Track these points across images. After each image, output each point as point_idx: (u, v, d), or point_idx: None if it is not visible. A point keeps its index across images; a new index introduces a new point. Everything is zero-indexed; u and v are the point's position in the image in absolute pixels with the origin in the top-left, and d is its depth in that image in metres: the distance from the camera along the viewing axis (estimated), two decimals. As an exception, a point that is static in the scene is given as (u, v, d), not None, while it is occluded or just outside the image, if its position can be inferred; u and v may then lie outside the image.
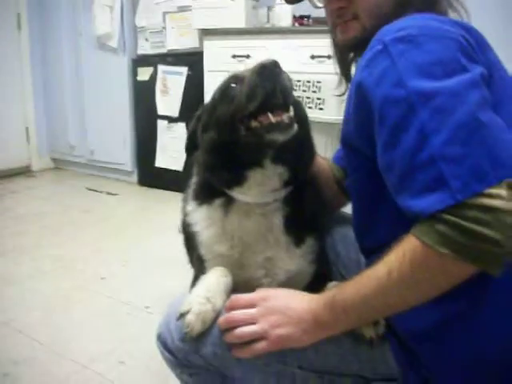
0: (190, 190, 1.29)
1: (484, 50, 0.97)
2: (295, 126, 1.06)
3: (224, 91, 1.16)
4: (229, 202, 1.18)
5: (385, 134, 0.89)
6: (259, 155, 1.12)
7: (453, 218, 0.78)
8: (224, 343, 1.02)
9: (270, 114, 1.05)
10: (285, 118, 1.05)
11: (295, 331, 0.97)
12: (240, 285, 1.13)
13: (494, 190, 0.77)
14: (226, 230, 1.18)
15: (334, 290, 0.98)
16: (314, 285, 1.19)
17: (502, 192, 0.77)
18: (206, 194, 1.22)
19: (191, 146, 1.27)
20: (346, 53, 1.25)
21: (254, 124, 1.07)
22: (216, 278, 1.10)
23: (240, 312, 1.02)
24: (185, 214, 1.29)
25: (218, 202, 1.19)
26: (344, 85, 1.33)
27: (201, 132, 1.21)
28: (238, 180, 1.13)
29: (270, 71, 1.04)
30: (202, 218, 1.21)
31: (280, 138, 1.06)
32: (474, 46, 0.92)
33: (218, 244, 1.18)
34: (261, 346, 0.99)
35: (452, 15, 1.12)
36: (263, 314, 1.00)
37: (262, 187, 1.14)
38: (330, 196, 1.39)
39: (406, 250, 0.85)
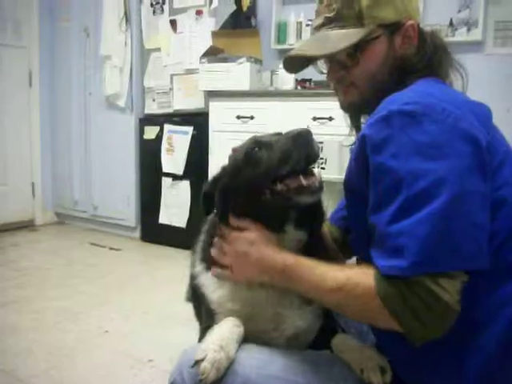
0: (198, 250, 1.31)
1: (488, 128, 1.03)
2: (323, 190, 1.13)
3: (248, 155, 1.18)
4: None
5: (373, 198, 0.99)
6: (282, 219, 1.17)
7: (406, 290, 0.89)
8: None
9: (301, 177, 1.11)
10: (316, 181, 1.11)
11: (248, 273, 1.17)
12: (249, 336, 1.15)
13: (443, 282, 0.88)
14: (238, 292, 1.20)
15: (292, 262, 1.09)
16: (321, 337, 1.23)
17: (449, 287, 0.88)
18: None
19: (208, 207, 1.28)
20: (350, 113, 1.31)
21: (279, 187, 1.12)
22: (229, 328, 1.12)
23: (220, 244, 1.22)
24: (192, 276, 1.31)
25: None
26: (354, 135, 1.38)
27: (221, 195, 1.23)
28: None
29: (305, 138, 1.10)
30: (211, 282, 1.24)
31: (310, 200, 1.13)
32: (473, 131, 0.96)
33: (230, 302, 1.20)
34: (227, 273, 1.20)
35: (452, 75, 1.20)
36: (231, 252, 1.19)
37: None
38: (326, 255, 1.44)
39: (362, 281, 0.96)
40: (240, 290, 1.20)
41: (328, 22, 1.19)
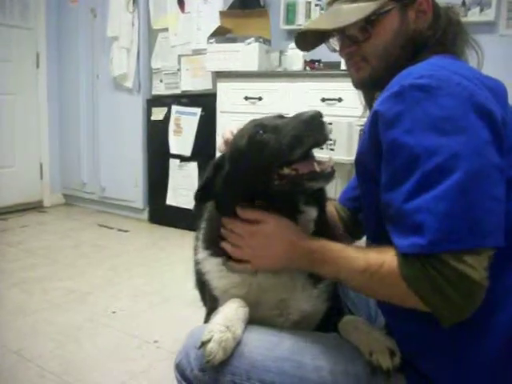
0: (201, 237, 1.29)
1: (503, 105, 1.00)
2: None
3: (253, 138, 1.13)
4: None
5: (388, 174, 0.97)
6: (293, 202, 1.15)
7: (430, 269, 0.87)
8: (243, 374, 1.04)
9: (315, 163, 1.08)
10: (328, 166, 1.08)
11: (271, 263, 1.14)
12: (254, 321, 1.14)
13: (468, 259, 0.85)
14: (242, 279, 1.18)
15: (317, 247, 1.07)
16: (328, 319, 1.22)
17: (475, 263, 0.85)
18: (218, 244, 1.21)
19: (205, 196, 1.23)
20: (362, 90, 1.30)
21: (288, 172, 1.09)
22: (234, 308, 1.11)
23: (232, 237, 1.17)
24: (196, 262, 1.30)
25: None
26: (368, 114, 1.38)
27: (223, 181, 1.18)
28: None
29: (317, 121, 1.05)
30: (216, 268, 1.22)
31: (322, 185, 1.12)
32: (488, 105, 0.94)
33: (235, 289, 1.18)
34: (245, 265, 1.16)
35: (468, 53, 1.17)
36: (247, 247, 1.15)
37: (306, 233, 1.16)
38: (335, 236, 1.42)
39: (386, 262, 0.94)
40: (245, 277, 1.18)
41: None
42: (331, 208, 1.47)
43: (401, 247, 0.91)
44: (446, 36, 1.14)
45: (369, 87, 1.25)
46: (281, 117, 1.21)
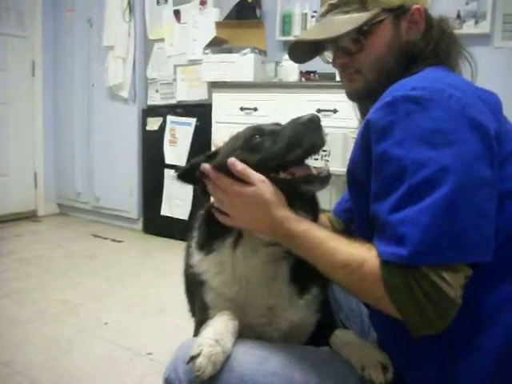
0: (193, 243, 1.27)
1: (497, 117, 0.99)
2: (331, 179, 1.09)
3: (248, 142, 1.13)
4: (238, 239, 1.16)
5: (376, 186, 0.96)
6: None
7: (410, 279, 0.86)
8: None
9: (311, 166, 1.08)
10: (324, 170, 1.08)
11: (252, 227, 1.12)
12: (243, 331, 1.13)
13: (446, 276, 0.85)
14: (234, 271, 1.17)
15: (300, 231, 1.04)
16: (319, 333, 1.21)
17: (452, 281, 0.85)
18: (212, 242, 1.20)
19: (187, 177, 1.23)
20: (356, 101, 1.29)
21: (282, 176, 1.08)
22: (224, 321, 1.10)
23: (216, 190, 1.14)
24: (189, 266, 1.28)
25: (228, 241, 1.17)
26: None
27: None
28: None
29: (315, 124, 1.06)
30: (212, 265, 1.20)
31: (318, 189, 1.11)
32: (481, 118, 0.93)
33: (227, 287, 1.17)
34: (227, 219, 1.14)
35: (461, 65, 1.17)
36: (230, 205, 1.12)
37: None
38: None
39: (367, 261, 0.93)
40: (236, 274, 1.17)
41: (332, 8, 1.17)
42: (325, 220, 1.46)
43: (382, 254, 0.90)
44: (439, 47, 1.14)
45: (362, 99, 1.25)
46: (277, 124, 1.20)
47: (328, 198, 2.46)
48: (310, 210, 1.18)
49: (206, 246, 1.23)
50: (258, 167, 1.09)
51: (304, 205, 1.15)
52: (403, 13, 1.14)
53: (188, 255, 1.30)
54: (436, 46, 1.14)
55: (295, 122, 1.08)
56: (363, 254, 0.94)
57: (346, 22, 1.13)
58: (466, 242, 0.86)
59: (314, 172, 1.08)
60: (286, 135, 1.08)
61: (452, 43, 1.16)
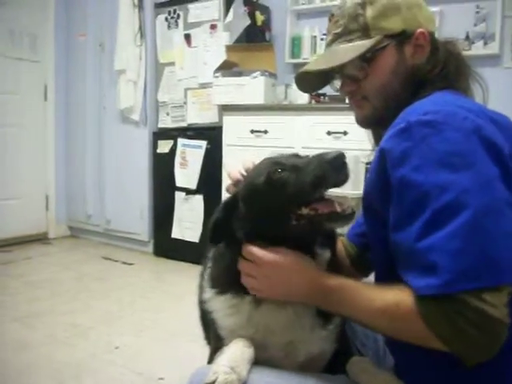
0: (207, 276, 1.25)
1: (510, 139, 0.98)
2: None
3: (271, 177, 1.09)
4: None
5: (396, 214, 0.94)
6: (310, 243, 1.12)
7: (448, 310, 0.83)
8: None
9: (335, 202, 1.06)
10: (349, 208, 1.05)
11: (287, 295, 1.09)
12: (259, 362, 1.10)
13: (488, 297, 0.81)
14: (252, 319, 1.14)
15: (335, 286, 1.03)
16: (336, 360, 1.19)
17: (495, 301, 0.81)
18: (228, 283, 1.17)
19: (217, 236, 1.18)
20: (367, 128, 1.28)
21: (305, 212, 1.06)
22: (240, 348, 1.08)
23: (248, 265, 1.11)
24: (202, 301, 1.25)
25: (248, 298, 1.14)
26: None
27: (239, 221, 1.14)
28: None
29: (341, 162, 1.03)
30: (224, 307, 1.17)
31: (341, 226, 1.09)
32: (496, 139, 0.92)
33: (242, 330, 1.14)
34: (258, 293, 1.11)
35: (473, 88, 1.16)
36: (262, 276, 1.09)
37: None
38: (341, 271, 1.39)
39: (403, 301, 0.90)
40: (253, 316, 1.14)
41: (337, 38, 1.19)
42: (339, 244, 1.43)
43: (416, 288, 0.87)
44: (447, 70, 1.13)
45: (372, 125, 1.25)
46: (297, 156, 1.18)
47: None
48: (328, 242, 1.17)
49: (219, 284, 1.20)
50: (281, 204, 1.07)
51: (322, 237, 1.15)
52: (407, 37, 1.14)
53: (201, 287, 1.28)
54: (443, 68, 1.13)
55: (320, 159, 1.04)
56: (397, 296, 0.92)
57: (350, 50, 1.13)
58: (499, 262, 0.83)
59: (338, 209, 1.05)
60: (310, 172, 1.04)
61: (460, 65, 1.15)
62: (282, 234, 1.09)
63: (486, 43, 3.75)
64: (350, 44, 1.15)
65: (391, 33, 1.13)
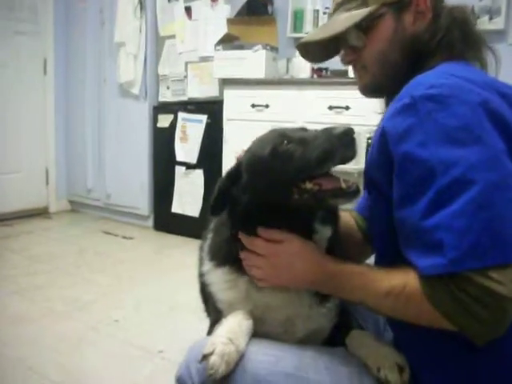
0: (206, 248, 1.25)
1: None
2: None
3: (277, 149, 1.08)
4: None
5: (401, 190, 0.92)
6: (310, 219, 1.11)
7: (454, 288, 0.82)
8: None
9: (341, 179, 1.03)
10: (354, 184, 1.03)
11: (290, 283, 1.10)
12: (258, 337, 1.10)
13: (494, 274, 0.80)
14: (250, 296, 1.14)
15: (339, 270, 1.04)
16: (335, 333, 1.18)
17: (501, 278, 0.80)
18: (226, 256, 1.18)
19: (219, 206, 1.16)
20: (368, 97, 1.26)
21: (309, 186, 1.04)
22: (238, 321, 1.08)
23: (253, 257, 1.11)
24: (201, 274, 1.26)
25: (246, 276, 1.14)
26: None
27: (240, 192, 1.12)
28: None
29: (350, 138, 1.01)
30: (222, 280, 1.18)
31: (345, 203, 1.07)
32: (503, 112, 0.91)
33: (240, 304, 1.14)
34: (261, 283, 1.12)
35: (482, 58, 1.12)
36: (268, 267, 1.10)
37: None
38: (354, 246, 1.37)
39: (408, 283, 0.90)
40: (251, 293, 1.14)
41: (338, 7, 1.17)
42: (349, 218, 1.42)
43: (421, 268, 0.86)
44: (449, 38, 1.09)
45: (373, 94, 1.23)
46: (304, 129, 1.16)
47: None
48: (329, 219, 1.15)
49: (217, 257, 1.20)
50: (285, 177, 1.06)
51: (324, 215, 1.13)
52: (407, 5, 1.11)
53: (200, 259, 1.27)
54: (445, 36, 1.09)
55: (329, 133, 1.02)
56: (402, 277, 0.91)
57: (347, 19, 1.12)
58: (506, 240, 0.82)
59: (343, 185, 1.03)
60: (318, 146, 1.02)
61: (468, 33, 1.11)
62: (283, 208, 1.08)
63: (491, 18, 3.70)
64: (349, 13, 1.13)
65: (389, 1, 1.11)
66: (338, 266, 1.04)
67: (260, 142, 1.15)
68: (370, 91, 1.22)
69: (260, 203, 1.09)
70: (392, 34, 1.12)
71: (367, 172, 1.09)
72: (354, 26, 1.11)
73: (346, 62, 1.23)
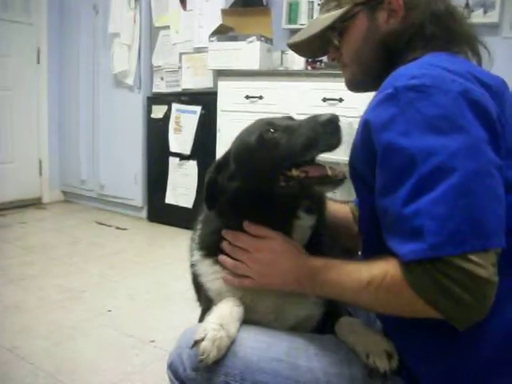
0: (196, 238, 1.26)
1: (500, 101, 0.96)
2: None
3: (263, 136, 1.09)
4: None
5: (383, 179, 0.93)
6: (295, 206, 1.12)
7: (435, 272, 0.83)
8: (237, 374, 1.02)
9: (327, 167, 1.05)
10: (340, 172, 1.05)
11: (275, 282, 1.11)
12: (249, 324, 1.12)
13: (474, 257, 0.81)
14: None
15: (320, 266, 1.04)
16: (325, 321, 1.20)
17: (481, 261, 0.81)
18: (214, 247, 1.19)
19: (213, 198, 1.17)
20: (353, 91, 1.28)
21: (296, 173, 1.05)
22: (229, 307, 1.09)
23: (236, 250, 1.14)
24: (191, 264, 1.26)
25: None
26: None
27: (226, 180, 1.14)
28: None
29: (335, 125, 1.02)
30: (211, 270, 1.19)
31: (331, 190, 1.09)
32: (484, 102, 0.91)
33: (229, 292, 1.16)
34: (247, 282, 1.13)
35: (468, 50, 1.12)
36: (252, 262, 1.12)
37: (301, 239, 1.15)
38: (351, 238, 1.38)
39: (388, 272, 0.90)
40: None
41: (321, 7, 1.22)
42: (346, 210, 1.45)
43: (401, 254, 0.87)
44: (426, 32, 1.09)
45: (356, 89, 1.26)
46: (291, 118, 1.18)
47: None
48: (315, 208, 1.16)
49: (204, 246, 1.22)
50: (272, 164, 1.07)
51: (310, 201, 1.14)
52: (379, 3, 1.12)
53: (191, 249, 1.28)
54: (420, 30, 1.09)
55: (313, 121, 1.04)
56: (383, 266, 0.92)
57: (324, 20, 1.17)
58: (488, 226, 0.83)
59: (329, 173, 1.05)
60: (302, 134, 1.04)
61: (450, 24, 1.11)
62: (268, 195, 1.09)
63: (485, 12, 3.71)
64: (327, 14, 1.17)
65: (361, 0, 1.13)
66: (320, 261, 1.06)
67: (247, 130, 1.17)
68: (353, 87, 1.26)
69: (246, 190, 1.11)
70: (366, 32, 1.14)
71: (351, 163, 1.10)
72: (329, 28, 1.15)
73: (330, 58, 1.27)
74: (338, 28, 1.15)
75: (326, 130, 1.02)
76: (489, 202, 0.84)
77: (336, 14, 1.14)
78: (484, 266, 0.81)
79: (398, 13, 1.11)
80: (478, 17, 3.69)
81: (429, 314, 0.87)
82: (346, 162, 1.09)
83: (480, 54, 1.14)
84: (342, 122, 1.04)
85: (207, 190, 1.16)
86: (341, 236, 1.38)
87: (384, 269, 0.91)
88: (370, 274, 0.93)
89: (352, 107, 3.13)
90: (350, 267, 1.00)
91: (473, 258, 0.81)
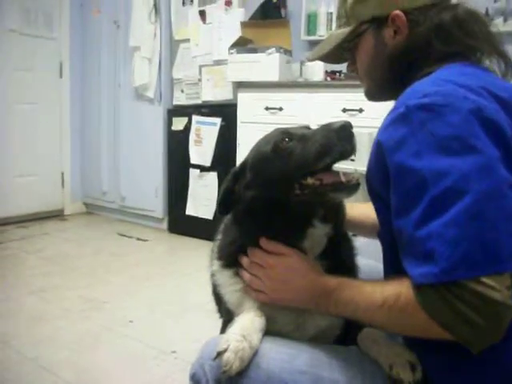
0: (215, 249, 1.27)
1: None
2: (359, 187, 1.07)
3: (278, 145, 1.11)
4: None
5: (397, 200, 0.93)
6: (310, 214, 1.12)
7: (447, 295, 0.82)
8: None
9: (340, 173, 1.06)
10: (354, 178, 1.05)
11: (288, 298, 1.12)
12: (270, 335, 1.11)
13: (488, 280, 0.79)
14: None
15: (335, 285, 1.04)
16: (347, 332, 1.19)
17: (496, 284, 0.79)
18: (233, 256, 1.20)
19: (226, 205, 1.19)
20: (372, 101, 1.30)
21: (311, 181, 1.06)
22: (250, 318, 1.09)
23: (253, 267, 1.15)
24: (211, 274, 1.28)
25: None
26: None
27: (243, 189, 1.16)
28: (292, 242, 1.13)
29: (348, 132, 1.03)
30: (231, 281, 1.20)
31: (345, 197, 1.09)
32: (498, 119, 0.90)
33: (248, 303, 1.17)
34: (261, 296, 1.14)
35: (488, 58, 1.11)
36: (266, 278, 1.13)
37: (315, 248, 1.15)
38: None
39: (402, 293, 0.90)
40: None
41: (336, 20, 1.26)
42: (368, 210, 1.43)
43: (414, 277, 0.86)
44: (442, 43, 1.08)
45: (373, 99, 1.29)
46: (307, 128, 1.19)
47: (353, 199, 2.42)
48: (332, 213, 1.16)
49: (224, 256, 1.23)
50: (287, 173, 1.08)
51: (326, 212, 1.14)
52: (384, 21, 1.13)
53: (211, 260, 1.29)
54: (431, 43, 1.08)
55: (327, 129, 1.05)
56: (396, 288, 0.91)
57: (335, 38, 1.22)
58: (499, 250, 0.81)
59: (343, 180, 1.05)
60: (316, 141, 1.05)
61: (460, 30, 1.09)
62: (284, 203, 1.09)
63: (505, 20, 3.67)
64: (338, 31, 1.22)
65: (364, 19, 1.15)
66: (334, 280, 1.05)
67: (263, 140, 1.18)
68: (370, 97, 1.29)
69: (262, 199, 1.12)
70: (373, 49, 1.17)
71: (368, 180, 1.10)
72: (340, 45, 1.20)
73: (348, 71, 1.30)
74: (347, 46, 1.21)
75: (339, 137, 1.02)
76: (502, 223, 0.82)
77: (345, 32, 1.18)
78: (498, 289, 0.79)
79: (403, 30, 1.12)
80: (498, 25, 3.65)
81: (442, 336, 0.86)
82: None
83: (507, 56, 1.12)
84: (363, 133, 1.04)
85: (222, 197, 1.18)
86: (371, 234, 1.37)
87: (398, 289, 0.91)
88: (383, 295, 0.93)
89: (372, 117, 3.13)
90: (364, 287, 1.00)
91: (486, 281, 0.80)
